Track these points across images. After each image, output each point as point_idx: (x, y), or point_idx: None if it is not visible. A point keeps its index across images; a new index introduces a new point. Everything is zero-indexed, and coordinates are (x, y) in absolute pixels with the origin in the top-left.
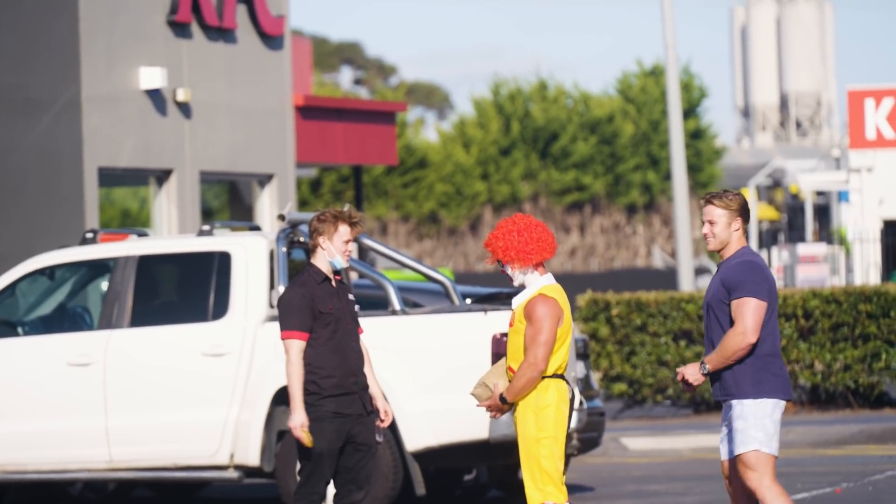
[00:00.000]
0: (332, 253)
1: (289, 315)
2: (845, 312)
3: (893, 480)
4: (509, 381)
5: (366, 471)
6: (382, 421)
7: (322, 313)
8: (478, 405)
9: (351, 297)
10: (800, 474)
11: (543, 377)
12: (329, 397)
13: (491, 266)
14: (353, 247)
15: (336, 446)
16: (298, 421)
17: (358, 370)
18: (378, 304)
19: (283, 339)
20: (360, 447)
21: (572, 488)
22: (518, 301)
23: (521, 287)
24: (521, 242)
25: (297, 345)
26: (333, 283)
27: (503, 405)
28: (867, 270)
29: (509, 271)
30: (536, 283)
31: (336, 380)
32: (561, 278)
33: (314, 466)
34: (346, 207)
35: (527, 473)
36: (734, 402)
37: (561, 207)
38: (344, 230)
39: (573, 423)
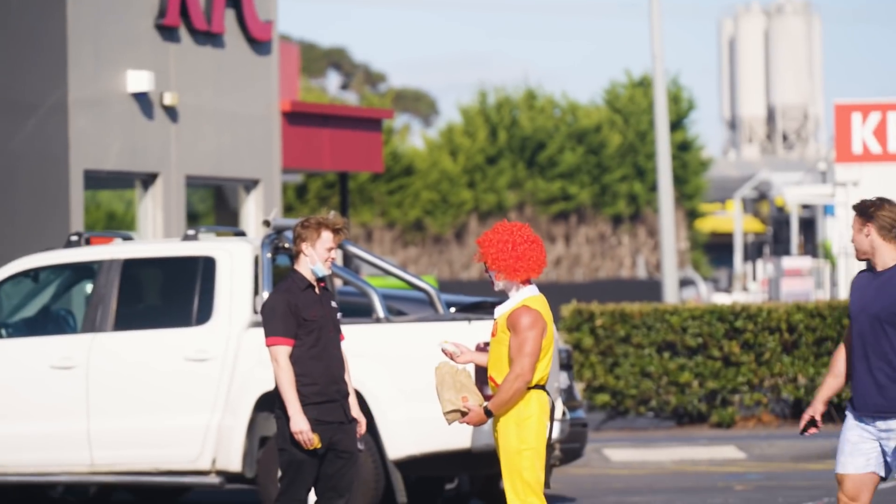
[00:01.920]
0: (314, 259)
1: (273, 321)
2: (829, 327)
3: (876, 496)
4: (492, 393)
5: (347, 478)
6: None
7: (306, 320)
8: (459, 422)
9: (334, 304)
10: (781, 488)
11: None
12: (311, 405)
13: (475, 275)
14: (336, 254)
15: (318, 453)
16: (299, 426)
17: (340, 378)
18: (362, 311)
19: (268, 345)
20: (342, 454)
21: (553, 499)
22: (501, 311)
23: (505, 296)
24: (513, 258)
25: (285, 350)
26: (317, 289)
27: (486, 418)
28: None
29: (493, 278)
30: (520, 294)
31: (319, 387)
32: (545, 288)
33: (295, 473)
34: (331, 214)
35: (508, 484)
36: None
37: (546, 217)
38: (327, 237)
39: (555, 434)
